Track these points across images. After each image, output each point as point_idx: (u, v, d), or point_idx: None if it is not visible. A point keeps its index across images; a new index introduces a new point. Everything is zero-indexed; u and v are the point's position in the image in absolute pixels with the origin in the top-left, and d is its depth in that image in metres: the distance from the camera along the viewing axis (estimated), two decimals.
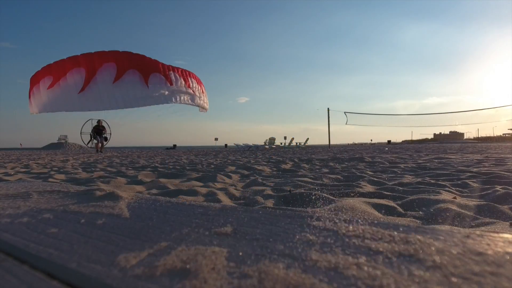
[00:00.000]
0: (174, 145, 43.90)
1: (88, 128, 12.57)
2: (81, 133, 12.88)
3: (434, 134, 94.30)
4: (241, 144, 16.06)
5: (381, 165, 2.83)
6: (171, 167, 2.99)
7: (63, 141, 49.99)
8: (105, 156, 7.26)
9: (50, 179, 1.71)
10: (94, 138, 13.34)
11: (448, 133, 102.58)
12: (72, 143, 51.48)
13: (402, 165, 2.68)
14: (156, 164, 3.62)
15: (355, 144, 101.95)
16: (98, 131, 13.35)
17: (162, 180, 1.54)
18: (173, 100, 4.54)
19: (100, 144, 12.98)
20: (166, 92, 4.16)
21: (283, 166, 2.91)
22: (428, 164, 2.72)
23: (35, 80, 5.27)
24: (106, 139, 13.87)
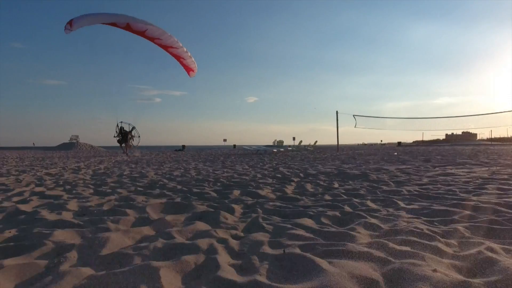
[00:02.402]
0: (183, 146, 44.23)
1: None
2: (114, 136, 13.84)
3: (446, 135, 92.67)
4: (250, 147, 16.12)
5: (384, 188, 2.87)
6: (178, 188, 3.07)
7: (74, 141, 50.90)
8: (115, 162, 7.31)
9: (63, 212, 1.81)
10: (119, 143, 14.25)
11: (461, 133, 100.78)
12: (83, 143, 52.48)
13: (405, 189, 2.71)
14: (164, 181, 3.71)
15: (365, 144, 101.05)
16: (124, 135, 14.17)
17: (168, 218, 1.61)
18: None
19: (126, 148, 14.29)
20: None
21: (287, 188, 2.96)
22: (430, 188, 2.75)
23: (70, 20, 7.89)
24: (128, 140, 14.52)
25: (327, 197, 2.28)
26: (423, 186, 2.84)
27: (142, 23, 8.60)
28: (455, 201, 2.03)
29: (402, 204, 1.98)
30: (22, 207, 1.99)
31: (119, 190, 2.87)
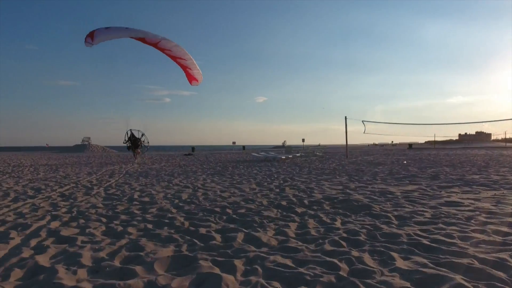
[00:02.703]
0: (193, 148, 44.62)
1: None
2: (124, 142, 15.05)
3: (459, 135, 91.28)
4: (259, 154, 16.21)
5: (385, 229, 2.93)
6: (185, 226, 3.21)
7: (86, 142, 52.11)
8: (126, 175, 7.33)
9: (79, 271, 1.94)
10: (129, 149, 15.44)
11: (474, 133, 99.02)
12: (95, 144, 53.68)
13: (405, 232, 2.78)
14: (172, 211, 3.83)
15: (375, 145, 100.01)
16: (134, 142, 15.30)
17: (174, 285, 1.73)
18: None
19: (135, 154, 15.51)
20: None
21: (290, 227, 3.06)
22: (430, 230, 2.80)
23: (90, 33, 9.53)
24: (139, 147, 15.52)
25: (327, 246, 2.37)
26: (424, 227, 2.89)
27: (155, 37, 10.18)
28: (449, 258, 2.09)
29: (398, 261, 2.05)
30: (41, 260, 2.13)
31: (129, 228, 3.00)
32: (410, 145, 47.02)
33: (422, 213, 3.47)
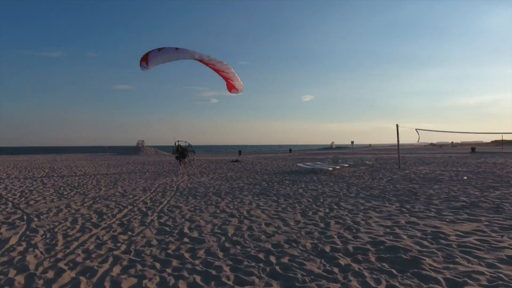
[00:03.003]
0: (240, 152, 45.34)
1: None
2: (173, 152, 17.25)
3: None
4: (305, 165, 16.08)
5: None
6: (229, 285, 3.35)
7: (140, 145, 55.65)
8: (176, 193, 7.62)
9: None
10: (177, 159, 17.04)
11: None
12: (148, 147, 57.13)
13: None
14: (219, 257, 4.01)
15: (433, 145, 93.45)
16: (181, 152, 16.99)
17: None
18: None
19: (183, 164, 16.98)
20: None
21: None
22: None
23: (146, 55, 11.86)
24: (186, 156, 16.97)
25: None
26: None
27: (200, 56, 12.14)
28: None
29: None
30: None
31: (180, 282, 3.22)
32: (473, 149, 43.30)
33: (477, 276, 3.25)
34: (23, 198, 8.39)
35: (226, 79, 14.45)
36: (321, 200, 7.71)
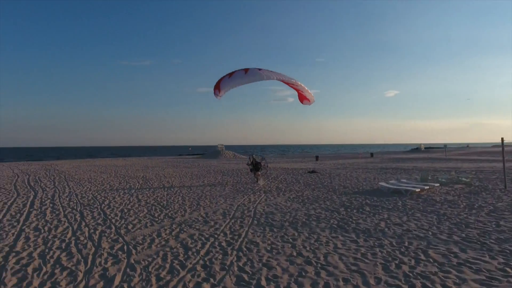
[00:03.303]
0: (317, 158, 44.53)
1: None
2: (248, 164, 19.13)
3: None
4: (388, 184, 15.03)
5: None
6: None
7: (220, 149, 58.89)
8: (267, 211, 7.73)
9: None
10: (251, 171, 18.48)
11: None
12: (227, 151, 60.09)
13: None
14: None
15: None
16: (255, 165, 18.27)
17: None
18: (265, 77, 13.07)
19: (256, 177, 18.07)
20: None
21: None
22: None
23: (218, 83, 13.38)
24: (259, 169, 18.24)
25: None
26: None
27: (268, 78, 13.36)
28: None
29: None
30: None
31: None
32: None
33: None
34: (123, 221, 9.54)
35: (297, 90, 15.22)
36: (406, 244, 7.11)
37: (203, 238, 7.75)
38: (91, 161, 48.99)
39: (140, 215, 10.26)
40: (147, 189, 16.10)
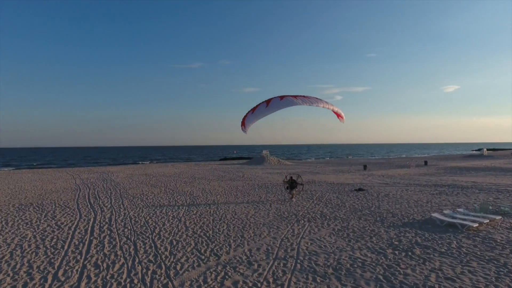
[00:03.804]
0: (365, 167, 43.01)
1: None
2: (284, 182, 20.83)
3: None
4: (442, 215, 14.10)
5: None
6: None
7: (265, 155, 59.31)
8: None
9: None
10: (287, 189, 19.97)
11: None
12: (272, 157, 60.34)
13: None
14: None
15: None
16: (291, 184, 19.78)
17: None
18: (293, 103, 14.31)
19: (291, 195, 19.77)
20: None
21: None
22: None
23: (243, 120, 15.46)
24: (294, 188, 19.90)
25: None
26: None
27: (289, 105, 14.54)
28: None
29: None
30: None
31: None
32: None
33: None
34: (172, 257, 10.06)
35: (331, 109, 16.37)
36: None
37: (246, 287, 7.92)
38: (143, 168, 52.06)
39: (188, 250, 10.74)
40: (194, 211, 16.74)
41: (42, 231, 13.13)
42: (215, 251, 10.67)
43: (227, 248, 10.93)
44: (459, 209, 15.26)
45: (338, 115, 17.36)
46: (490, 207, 15.17)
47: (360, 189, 23.46)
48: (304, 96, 15.15)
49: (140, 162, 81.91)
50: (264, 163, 55.48)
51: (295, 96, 14.94)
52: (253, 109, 15.40)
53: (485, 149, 79.87)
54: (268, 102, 14.89)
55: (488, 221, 13.25)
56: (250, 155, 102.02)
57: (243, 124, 15.71)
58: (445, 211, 14.87)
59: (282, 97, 14.83)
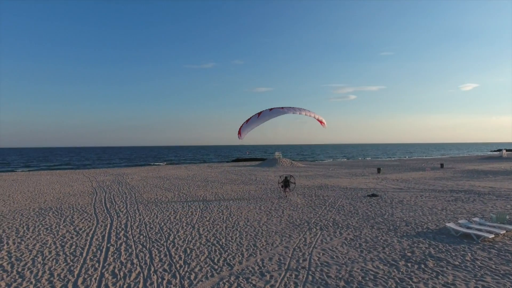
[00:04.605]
0: (378, 170, 42.51)
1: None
2: (278, 183, 24.40)
3: None
4: (458, 225, 13.91)
5: None
6: None
7: (277, 157, 59.33)
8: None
9: None
10: (281, 188, 23.09)
11: None
12: (284, 159, 60.33)
13: None
14: None
15: None
16: (285, 183, 22.83)
17: None
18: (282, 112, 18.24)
19: (285, 193, 22.97)
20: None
21: None
22: None
23: (239, 129, 18.65)
24: (289, 186, 23.02)
25: None
26: None
27: (277, 115, 17.38)
28: None
29: None
30: None
31: None
32: None
33: None
34: (186, 267, 10.31)
35: (313, 117, 19.84)
36: None
37: None
38: (156, 170, 52.89)
39: (201, 259, 10.97)
40: (207, 218, 17.00)
41: (61, 237, 13.60)
42: (228, 260, 10.86)
43: (240, 258, 11.10)
44: (474, 219, 15.02)
45: (321, 122, 20.82)
46: (507, 217, 14.86)
47: (373, 195, 23.29)
48: (290, 107, 18.58)
49: (154, 164, 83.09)
50: (277, 165, 55.54)
51: (282, 107, 18.61)
52: (247, 120, 18.93)
53: (504, 150, 77.68)
54: (259, 113, 18.40)
55: (504, 231, 13.02)
56: (262, 156, 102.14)
57: (239, 133, 19.08)
58: (460, 221, 14.67)
59: (271, 109, 18.66)
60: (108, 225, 15.53)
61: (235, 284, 9.02)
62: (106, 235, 13.91)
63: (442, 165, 50.03)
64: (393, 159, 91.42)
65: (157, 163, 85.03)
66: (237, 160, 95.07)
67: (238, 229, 14.76)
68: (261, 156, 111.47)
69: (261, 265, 10.41)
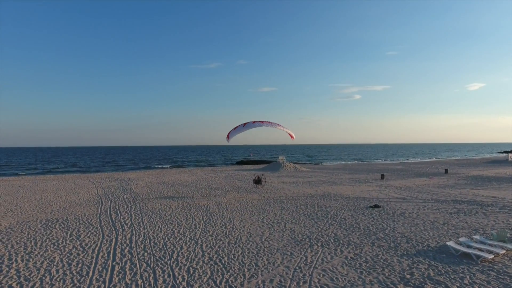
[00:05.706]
0: (382, 176, 42.45)
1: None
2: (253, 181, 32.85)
3: None
4: (458, 243, 14.02)
5: None
6: None
7: (281, 161, 59.48)
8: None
9: None
10: (254, 184, 32.93)
11: None
12: (288, 163, 60.43)
13: None
14: None
15: None
16: (257, 181, 32.47)
17: None
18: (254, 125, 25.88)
19: (256, 187, 32.43)
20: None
21: None
22: None
23: (228, 134, 26.23)
24: (260, 182, 32.50)
25: None
26: None
27: (259, 124, 24.98)
28: None
29: None
30: None
31: None
32: None
33: None
34: None
35: (284, 130, 26.39)
36: None
37: None
38: (161, 175, 53.32)
39: (204, 280, 11.23)
40: (210, 232, 17.26)
41: (68, 254, 13.95)
42: (230, 282, 11.10)
43: (242, 279, 11.34)
44: (475, 236, 15.11)
45: (291, 136, 26.93)
46: (508, 235, 14.94)
47: (376, 206, 23.40)
48: (268, 121, 25.83)
49: (158, 167, 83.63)
50: (280, 170, 55.70)
51: (262, 121, 25.54)
52: (235, 128, 25.30)
53: (510, 155, 77.05)
54: (245, 124, 25.11)
55: (504, 251, 13.12)
56: (267, 159, 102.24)
57: (228, 137, 25.79)
58: (460, 239, 14.77)
59: (254, 122, 25.50)
60: (114, 240, 15.86)
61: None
62: (112, 251, 14.23)
63: (446, 171, 49.88)
64: (397, 162, 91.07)
65: (161, 166, 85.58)
66: (241, 162, 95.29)
67: (241, 246, 15.00)
68: (265, 158, 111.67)
69: None
